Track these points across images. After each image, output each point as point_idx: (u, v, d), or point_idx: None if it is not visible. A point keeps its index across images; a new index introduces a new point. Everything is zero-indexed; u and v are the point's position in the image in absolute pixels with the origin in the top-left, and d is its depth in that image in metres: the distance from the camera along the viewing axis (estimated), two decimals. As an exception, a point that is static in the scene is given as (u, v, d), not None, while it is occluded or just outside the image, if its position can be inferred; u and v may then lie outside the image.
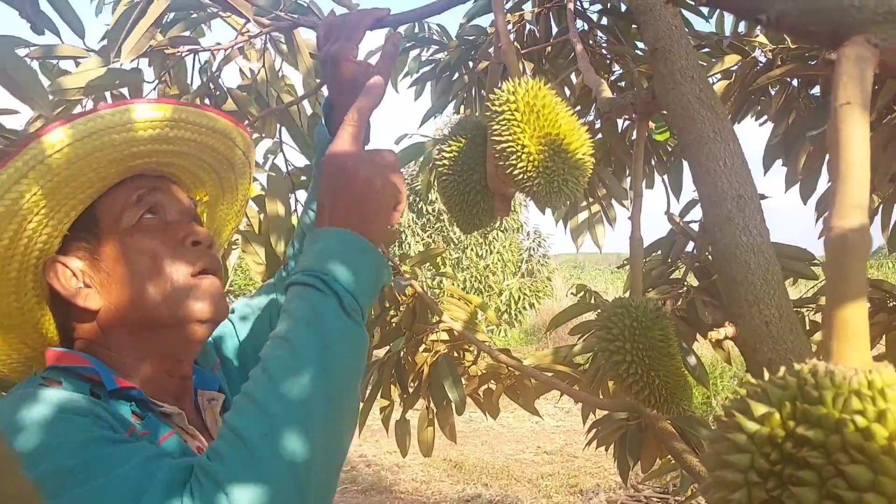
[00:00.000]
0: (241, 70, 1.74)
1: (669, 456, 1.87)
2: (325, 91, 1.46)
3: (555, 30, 1.93)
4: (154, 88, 1.54)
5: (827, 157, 1.86)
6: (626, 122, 2.00)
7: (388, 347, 1.92)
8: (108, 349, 0.88)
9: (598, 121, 1.92)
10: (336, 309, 0.75)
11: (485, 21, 2.02)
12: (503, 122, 0.95)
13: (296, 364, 0.71)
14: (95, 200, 0.89)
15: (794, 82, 1.91)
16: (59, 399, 0.74)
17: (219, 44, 1.48)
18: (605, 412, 1.77)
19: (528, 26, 1.95)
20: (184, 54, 1.45)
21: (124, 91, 1.50)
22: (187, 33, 1.48)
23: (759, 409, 0.44)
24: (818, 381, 0.42)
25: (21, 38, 1.26)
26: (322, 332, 0.73)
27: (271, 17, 1.38)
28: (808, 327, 1.86)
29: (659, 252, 1.98)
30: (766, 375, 0.47)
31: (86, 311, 0.88)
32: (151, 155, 0.91)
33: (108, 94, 1.51)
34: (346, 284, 0.77)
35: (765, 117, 2.05)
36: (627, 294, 1.15)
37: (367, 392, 1.90)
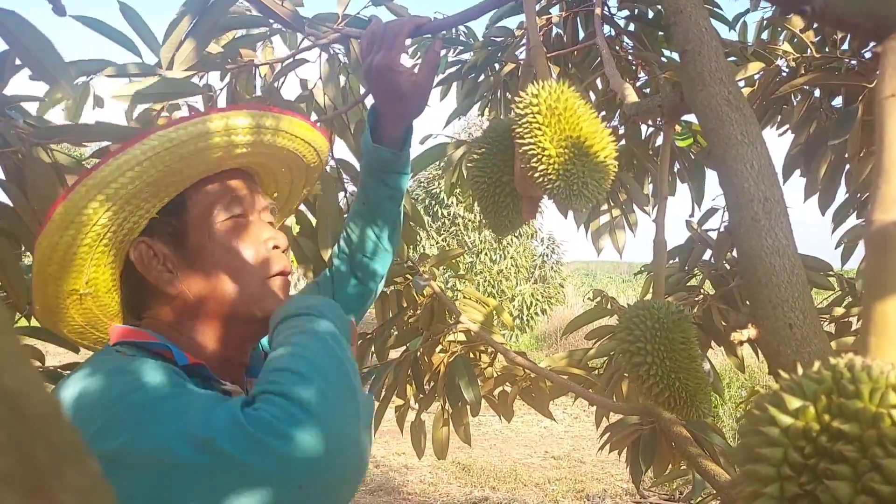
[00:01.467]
0: (301, 81, 1.78)
1: (681, 461, 1.86)
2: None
3: (581, 34, 1.94)
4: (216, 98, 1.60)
5: (847, 167, 1.85)
6: (650, 129, 2.00)
7: (404, 347, 1.92)
8: (177, 332, 0.92)
9: (622, 127, 1.92)
10: (319, 319, 0.85)
11: (512, 23, 2.03)
12: (526, 125, 0.96)
13: (305, 352, 0.78)
14: (187, 188, 0.94)
15: (817, 92, 1.90)
16: (142, 365, 0.78)
17: (276, 57, 1.52)
18: (619, 416, 1.77)
19: (554, 30, 1.96)
20: (239, 69, 1.49)
21: (197, 100, 1.56)
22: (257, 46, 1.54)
23: (794, 402, 0.44)
24: (855, 375, 0.42)
25: (104, 60, 1.37)
26: (319, 333, 0.82)
27: (326, 30, 1.41)
28: (826, 339, 1.85)
29: (676, 259, 1.98)
30: (800, 370, 0.47)
31: (163, 295, 0.92)
32: (248, 156, 0.97)
33: (183, 103, 1.57)
34: (322, 310, 0.88)
35: (786, 127, 2.04)
36: (648, 297, 1.15)
37: (382, 393, 1.91)
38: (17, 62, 1.15)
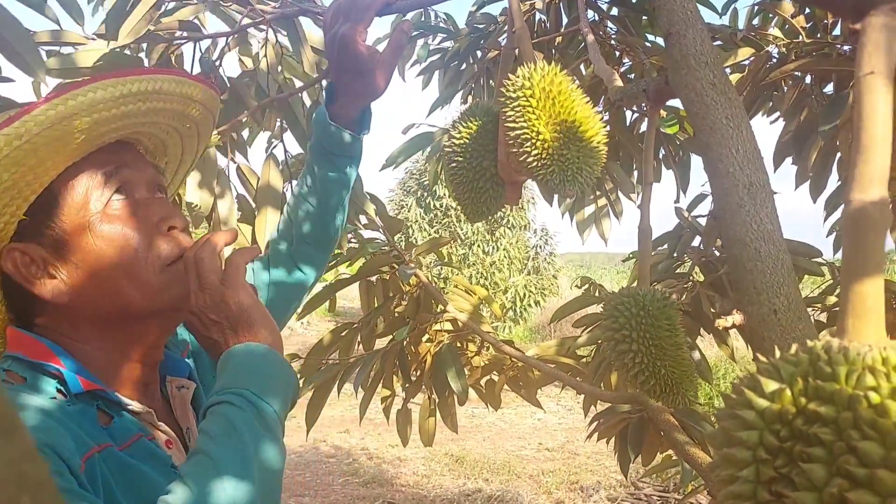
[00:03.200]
0: (240, 60, 1.71)
1: (671, 451, 1.86)
2: (325, 83, 1.44)
3: (565, 20, 1.92)
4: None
5: (838, 155, 1.85)
6: (635, 115, 1.98)
7: (391, 337, 1.91)
8: (74, 339, 0.82)
9: (607, 113, 1.90)
10: (252, 421, 0.74)
11: (495, 9, 2.01)
12: (518, 109, 0.94)
13: (216, 476, 0.69)
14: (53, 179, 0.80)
15: (808, 78, 1.89)
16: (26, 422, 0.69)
17: (218, 31, 1.46)
18: (607, 405, 1.76)
19: (538, 16, 1.94)
20: (183, 42, 1.43)
21: None
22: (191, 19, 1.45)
23: (770, 385, 0.43)
24: (831, 357, 0.41)
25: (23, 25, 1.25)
26: (240, 444, 0.72)
27: (275, 6, 1.36)
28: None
29: (665, 246, 1.97)
30: (778, 353, 0.46)
31: (50, 303, 0.81)
32: (120, 130, 0.84)
33: None
34: (258, 393, 0.76)
35: (776, 114, 2.03)
36: (634, 284, 1.14)
37: (369, 382, 1.90)
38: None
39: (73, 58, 1.23)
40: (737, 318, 0.86)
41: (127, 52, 1.33)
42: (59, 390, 0.77)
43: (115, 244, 0.81)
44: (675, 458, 2.02)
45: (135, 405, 0.82)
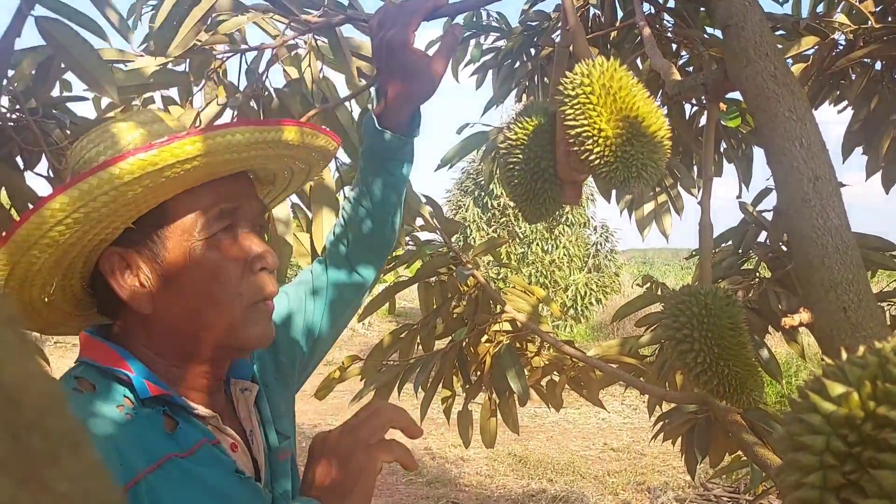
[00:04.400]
0: (284, 71, 1.72)
1: (739, 451, 1.81)
2: (371, 92, 1.45)
3: (620, 14, 1.89)
4: (200, 89, 1.55)
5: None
6: (694, 109, 1.94)
7: (450, 338, 1.91)
8: (147, 347, 0.86)
9: (664, 107, 1.87)
10: None
11: (548, 6, 1.99)
12: (577, 107, 0.92)
13: None
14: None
15: (878, 65, 1.81)
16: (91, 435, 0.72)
17: (262, 43, 1.47)
18: (673, 405, 1.73)
19: (591, 10, 1.92)
20: (228, 55, 1.45)
21: (173, 92, 1.53)
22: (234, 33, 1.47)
23: (836, 388, 0.42)
24: (901, 359, 0.39)
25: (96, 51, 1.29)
26: None
27: (317, 14, 1.37)
28: (888, 323, 1.77)
29: (730, 242, 1.92)
30: (844, 355, 0.44)
31: (132, 310, 0.84)
32: (243, 165, 0.88)
33: (158, 93, 1.53)
34: None
35: (844, 102, 1.96)
36: (696, 282, 1.12)
37: (430, 382, 1.91)
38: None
39: (136, 73, 1.28)
40: (804, 316, 0.84)
41: (171, 66, 1.35)
42: (126, 397, 0.80)
43: (209, 273, 0.84)
44: (744, 458, 1.97)
45: (201, 409, 0.85)
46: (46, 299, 0.86)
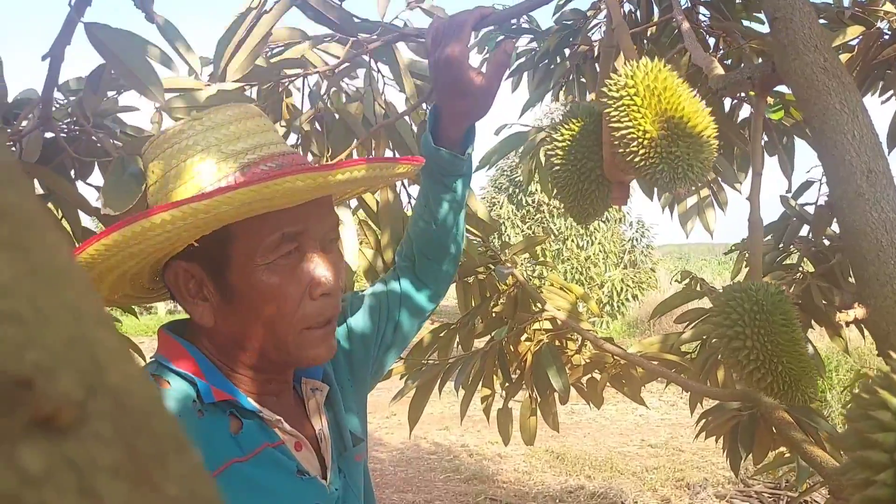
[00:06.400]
0: (346, 94, 1.74)
1: (783, 448, 1.78)
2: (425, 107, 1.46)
3: (656, 11, 1.87)
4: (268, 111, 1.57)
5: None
6: (734, 102, 1.91)
7: (489, 336, 1.92)
8: (214, 353, 0.89)
9: (706, 103, 1.84)
10: None
11: (583, 3, 1.97)
12: (622, 108, 0.92)
13: None
14: None
15: (925, 53, 1.77)
16: None
17: (325, 64, 1.49)
18: (715, 402, 1.71)
19: (627, 6, 1.90)
20: (292, 79, 1.47)
21: None
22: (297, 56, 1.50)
23: (907, 385, 0.42)
24: (976, 356, 0.39)
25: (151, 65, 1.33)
26: None
27: (373, 36, 1.38)
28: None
29: (770, 237, 1.89)
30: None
31: (196, 323, 0.88)
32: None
33: None
34: None
35: (890, 92, 1.91)
36: (743, 279, 1.10)
37: (470, 381, 1.91)
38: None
39: (194, 95, 1.29)
40: (859, 311, 0.83)
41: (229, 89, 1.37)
42: (194, 399, 0.82)
43: (267, 296, 0.84)
44: (787, 455, 1.94)
45: (265, 412, 0.87)
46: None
